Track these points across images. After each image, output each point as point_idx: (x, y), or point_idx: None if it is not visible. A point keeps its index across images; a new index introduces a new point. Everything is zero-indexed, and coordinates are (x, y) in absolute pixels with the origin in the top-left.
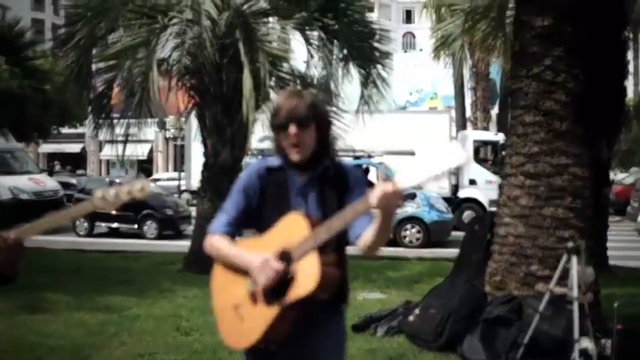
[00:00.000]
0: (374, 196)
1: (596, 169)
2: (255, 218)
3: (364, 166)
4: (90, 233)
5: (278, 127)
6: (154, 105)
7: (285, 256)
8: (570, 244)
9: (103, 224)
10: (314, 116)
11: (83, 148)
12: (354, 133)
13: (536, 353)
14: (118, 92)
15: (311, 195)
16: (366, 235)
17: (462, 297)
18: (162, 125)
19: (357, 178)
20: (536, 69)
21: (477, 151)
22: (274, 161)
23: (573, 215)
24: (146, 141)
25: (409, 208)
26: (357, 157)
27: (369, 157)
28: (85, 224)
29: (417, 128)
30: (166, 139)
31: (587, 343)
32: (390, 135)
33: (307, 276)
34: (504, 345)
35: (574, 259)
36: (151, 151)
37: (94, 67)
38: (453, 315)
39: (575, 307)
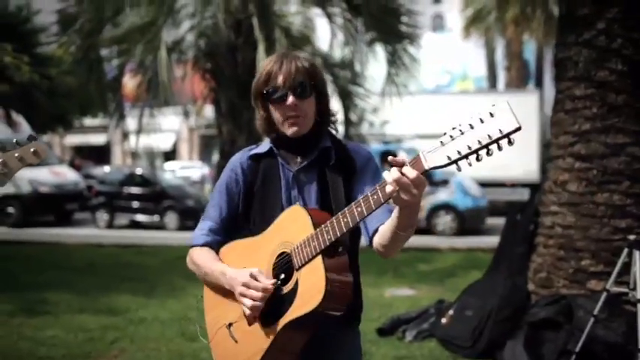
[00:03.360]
0: (390, 180)
1: None
2: (243, 221)
3: (398, 151)
4: (110, 225)
5: (271, 97)
6: (164, 87)
7: (284, 263)
8: (632, 237)
9: (124, 215)
10: (314, 83)
11: (108, 140)
12: (421, 116)
13: None
14: (136, 80)
15: (308, 184)
16: (383, 232)
17: (502, 296)
18: (186, 114)
19: (365, 159)
20: (587, 34)
21: None
22: (261, 147)
23: (631, 202)
24: (170, 131)
25: (442, 195)
26: (385, 142)
27: (399, 141)
28: (105, 216)
29: None
30: (190, 129)
31: None
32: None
33: (310, 288)
34: (552, 352)
35: (637, 254)
36: (176, 142)
37: (104, 52)
38: (492, 317)
39: (639, 310)
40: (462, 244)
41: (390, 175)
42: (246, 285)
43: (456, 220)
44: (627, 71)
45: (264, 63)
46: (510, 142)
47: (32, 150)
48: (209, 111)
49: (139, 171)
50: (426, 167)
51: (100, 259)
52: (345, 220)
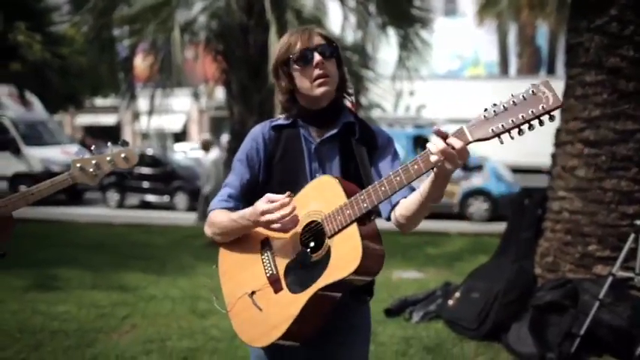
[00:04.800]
0: (436, 151)
1: None
2: (263, 190)
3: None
4: (120, 205)
5: (297, 61)
6: (177, 68)
7: (313, 232)
8: (639, 222)
9: (134, 195)
10: (335, 45)
11: (119, 121)
12: (452, 101)
13: (594, 346)
14: (147, 61)
15: (330, 156)
16: (407, 204)
17: (508, 279)
18: (196, 95)
19: (386, 138)
20: (599, 20)
21: None
22: (284, 119)
23: (639, 188)
24: (181, 112)
25: (476, 180)
26: (418, 126)
27: (432, 125)
28: (116, 196)
29: None
30: (201, 111)
31: None
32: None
33: (345, 255)
34: (557, 335)
35: None
36: (186, 123)
37: (116, 32)
38: (498, 300)
39: None
40: (470, 229)
41: (435, 145)
42: (265, 212)
43: (489, 206)
44: (639, 58)
45: (281, 40)
46: (551, 118)
47: (123, 155)
48: (220, 92)
49: (149, 151)
50: (471, 139)
51: (111, 238)
52: (384, 188)
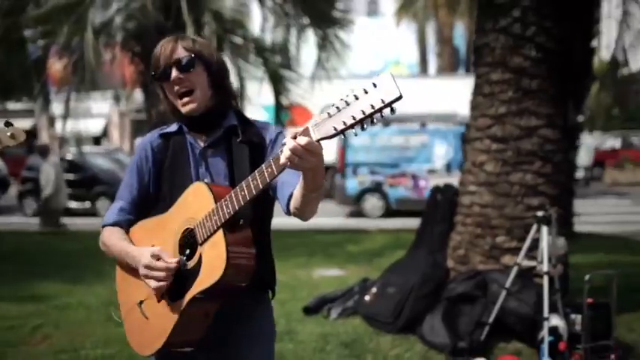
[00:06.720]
0: (284, 153)
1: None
2: (155, 199)
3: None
4: (39, 212)
5: (160, 77)
6: (91, 70)
7: (189, 239)
8: (540, 213)
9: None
10: (198, 57)
11: (34, 125)
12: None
13: (503, 333)
14: (61, 63)
15: (216, 160)
16: (295, 197)
17: (423, 273)
18: (116, 98)
19: (274, 133)
20: (503, 21)
21: None
22: (172, 127)
23: (543, 181)
24: (100, 116)
25: None
26: (463, 124)
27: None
28: (33, 203)
29: None
30: (122, 114)
31: (557, 321)
32: None
33: (212, 262)
34: (468, 325)
35: (544, 230)
36: (106, 126)
37: (28, 32)
38: (413, 293)
39: (545, 281)
40: (390, 226)
41: (286, 146)
42: (148, 267)
43: None
44: (541, 58)
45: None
46: (392, 111)
47: (9, 133)
48: (140, 95)
49: (68, 156)
50: (315, 138)
51: (26, 247)
52: (243, 193)
